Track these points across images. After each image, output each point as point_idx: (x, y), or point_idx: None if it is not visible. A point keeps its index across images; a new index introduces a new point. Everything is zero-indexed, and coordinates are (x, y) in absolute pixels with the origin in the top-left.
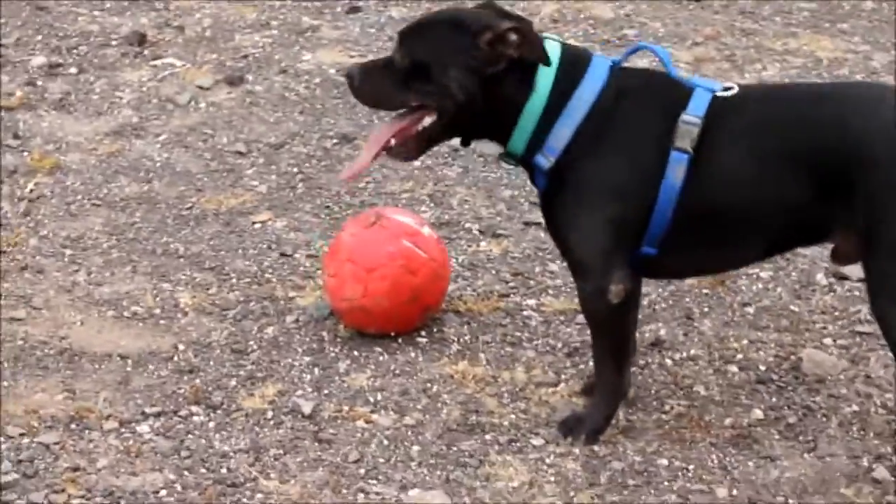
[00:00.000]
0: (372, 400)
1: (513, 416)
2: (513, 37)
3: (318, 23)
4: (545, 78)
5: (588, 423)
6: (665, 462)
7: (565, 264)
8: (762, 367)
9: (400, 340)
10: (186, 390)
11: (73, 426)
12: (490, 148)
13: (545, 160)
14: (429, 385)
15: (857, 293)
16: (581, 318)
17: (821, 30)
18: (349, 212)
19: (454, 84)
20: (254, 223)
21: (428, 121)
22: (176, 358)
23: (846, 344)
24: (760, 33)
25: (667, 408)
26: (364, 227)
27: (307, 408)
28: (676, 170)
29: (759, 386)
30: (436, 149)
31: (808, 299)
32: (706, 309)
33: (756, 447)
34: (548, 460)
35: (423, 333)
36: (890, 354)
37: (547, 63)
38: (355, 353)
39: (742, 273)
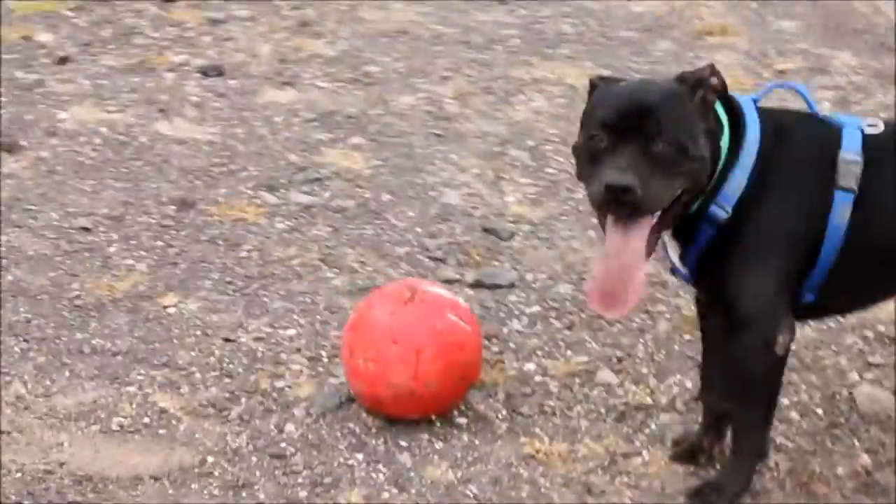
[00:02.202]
0: (472, 494)
1: (629, 493)
2: (715, 81)
3: (38, 77)
4: (723, 124)
5: (728, 490)
6: None
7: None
8: (818, 410)
9: (439, 424)
10: None
11: None
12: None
13: (721, 210)
14: (514, 469)
15: (831, 323)
16: (601, 376)
17: (557, 57)
18: (255, 285)
19: (708, 153)
20: (165, 308)
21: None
22: (216, 472)
23: (876, 377)
24: (493, 64)
25: (770, 464)
26: (401, 303)
27: None
28: (842, 210)
29: (834, 430)
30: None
31: None
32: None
33: (892, 493)
34: None
35: (456, 413)
36: None
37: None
38: (403, 443)
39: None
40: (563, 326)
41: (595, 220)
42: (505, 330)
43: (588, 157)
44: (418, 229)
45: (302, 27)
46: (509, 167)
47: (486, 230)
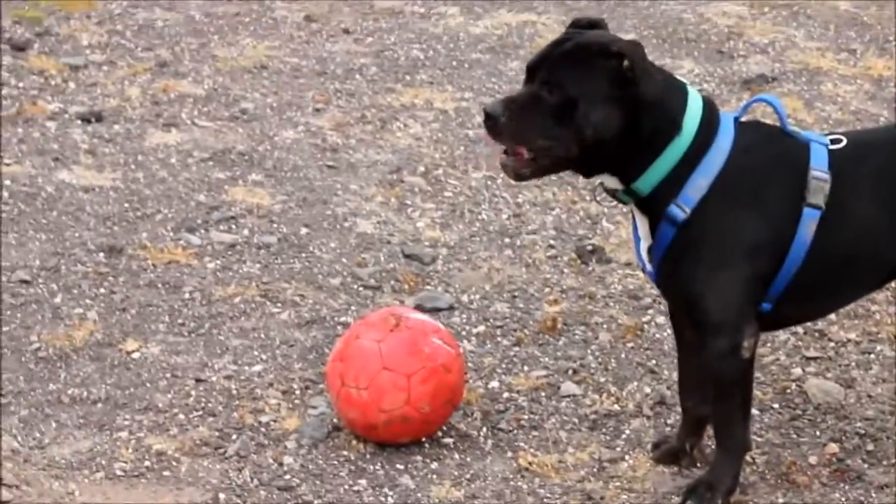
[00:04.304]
0: None
1: (626, 497)
2: (625, 63)
3: None
4: (692, 122)
5: (721, 486)
6: None
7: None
8: (775, 405)
9: (427, 445)
10: None
11: None
12: None
13: (679, 211)
14: (513, 482)
15: None
16: (566, 388)
17: (418, 83)
18: (207, 325)
19: (601, 121)
20: (129, 353)
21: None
22: None
23: (818, 370)
24: (358, 93)
25: (747, 458)
26: (388, 330)
27: None
28: (809, 226)
29: (795, 423)
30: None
31: None
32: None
33: (866, 478)
34: None
35: (441, 434)
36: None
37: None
38: (400, 466)
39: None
40: (510, 344)
41: (507, 239)
42: (467, 348)
43: None
44: (344, 260)
45: (161, 68)
46: (409, 193)
47: (407, 256)
